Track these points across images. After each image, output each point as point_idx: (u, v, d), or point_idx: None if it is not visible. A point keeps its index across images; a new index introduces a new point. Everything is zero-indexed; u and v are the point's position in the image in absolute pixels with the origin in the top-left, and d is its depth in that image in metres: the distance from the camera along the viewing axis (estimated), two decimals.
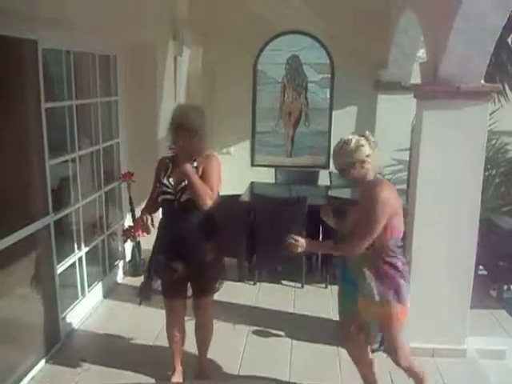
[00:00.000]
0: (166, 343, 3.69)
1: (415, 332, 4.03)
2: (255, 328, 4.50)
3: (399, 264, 3.04)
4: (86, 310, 4.66)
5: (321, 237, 5.52)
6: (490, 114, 4.67)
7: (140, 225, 3.40)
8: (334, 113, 7.32)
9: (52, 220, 3.95)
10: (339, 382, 3.72)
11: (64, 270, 4.25)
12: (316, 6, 6.72)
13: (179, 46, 5.79)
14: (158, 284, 3.50)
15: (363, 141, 3.00)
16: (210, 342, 3.69)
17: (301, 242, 3.05)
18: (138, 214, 4.18)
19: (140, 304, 3.59)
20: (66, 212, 4.34)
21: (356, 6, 6.61)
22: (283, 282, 5.52)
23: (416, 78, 5.18)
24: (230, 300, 4.86)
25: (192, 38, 6.06)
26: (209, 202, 3.21)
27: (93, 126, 4.87)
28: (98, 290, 4.94)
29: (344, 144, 3.01)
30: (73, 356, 4.01)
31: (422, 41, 4.68)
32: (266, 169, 7.28)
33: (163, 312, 3.60)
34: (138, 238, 5.33)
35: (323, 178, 6.81)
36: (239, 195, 5.82)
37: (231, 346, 4.17)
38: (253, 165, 7.53)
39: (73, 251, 4.51)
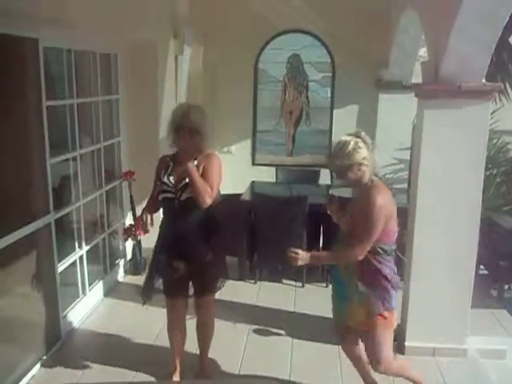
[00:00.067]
0: (166, 342, 3.69)
1: (416, 331, 4.05)
2: (256, 327, 4.50)
3: (388, 272, 3.04)
4: (86, 309, 4.66)
5: (321, 236, 5.55)
6: (491, 114, 4.65)
7: (140, 223, 3.40)
8: (334, 112, 7.30)
9: (53, 218, 3.95)
10: (340, 381, 3.73)
11: (65, 269, 4.26)
12: (317, 5, 6.72)
13: (180, 44, 5.79)
14: (159, 283, 3.50)
15: (361, 143, 3.00)
16: (211, 341, 3.69)
17: (301, 256, 3.02)
18: (138, 212, 4.20)
19: (144, 304, 3.57)
20: (66, 210, 4.34)
21: (357, 4, 6.60)
22: (284, 280, 5.52)
23: (417, 77, 5.18)
24: (231, 299, 4.86)
25: (193, 36, 6.06)
26: (208, 201, 3.21)
27: (94, 124, 4.87)
28: (98, 288, 4.94)
29: (342, 146, 3.00)
30: (74, 355, 4.02)
31: (423, 40, 4.68)
32: (266, 168, 7.27)
33: (164, 311, 3.60)
34: (138, 237, 5.32)
35: (324, 177, 6.81)
36: (240, 194, 5.82)
37: (232, 344, 4.17)
38: (254, 164, 7.52)
39: (73, 250, 4.51)
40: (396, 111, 6.69)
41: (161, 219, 3.50)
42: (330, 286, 3.46)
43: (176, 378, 3.60)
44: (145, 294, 3.54)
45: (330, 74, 7.24)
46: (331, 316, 3.38)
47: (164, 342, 3.79)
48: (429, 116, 3.83)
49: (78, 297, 4.60)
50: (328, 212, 3.31)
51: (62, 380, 3.67)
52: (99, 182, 5.03)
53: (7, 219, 3.39)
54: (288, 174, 6.94)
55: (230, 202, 4.90)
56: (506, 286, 5.40)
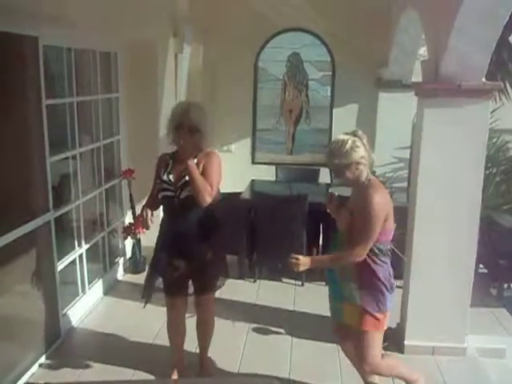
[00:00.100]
0: (166, 341, 3.69)
1: (415, 330, 4.05)
2: (255, 325, 4.50)
3: (384, 273, 3.03)
4: (86, 307, 4.66)
5: (321, 235, 5.55)
6: (491, 113, 4.65)
7: (140, 220, 3.39)
8: (334, 111, 7.31)
9: (52, 217, 3.95)
10: (339, 380, 3.73)
11: (64, 267, 4.26)
12: (317, 4, 6.71)
13: (180, 43, 5.79)
14: (159, 281, 3.50)
15: (358, 142, 3.00)
16: (211, 340, 3.69)
17: (302, 261, 3.00)
18: (138, 211, 4.19)
19: (145, 304, 3.55)
20: (66, 209, 4.34)
21: (357, 3, 6.60)
22: (283, 279, 5.52)
23: (417, 76, 5.18)
24: (230, 297, 4.86)
25: (193, 35, 6.06)
26: (208, 200, 3.21)
27: (93, 122, 4.86)
28: (98, 287, 4.94)
29: (340, 145, 2.99)
30: (73, 353, 4.03)
31: (423, 39, 4.68)
32: (266, 166, 7.28)
33: (164, 309, 3.60)
34: (138, 235, 5.33)
35: (324, 176, 6.80)
36: (240, 193, 5.82)
37: (231, 343, 4.18)
38: (253, 162, 7.52)
39: (73, 248, 4.51)
40: (396, 110, 6.69)
41: (161, 217, 3.50)
42: None
43: (175, 376, 3.59)
44: (146, 293, 3.53)
45: (330, 73, 7.25)
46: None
47: (163, 340, 3.80)
48: (429, 115, 3.82)
49: (78, 295, 4.60)
50: (328, 210, 3.31)
51: (62, 378, 3.67)
52: (99, 180, 5.03)
53: (7, 217, 3.39)
54: (288, 173, 6.94)
55: (229, 200, 4.90)
56: (506, 285, 5.40)
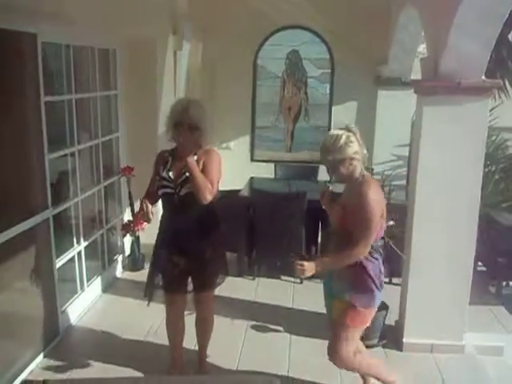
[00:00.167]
0: (165, 338, 3.69)
1: (414, 328, 4.06)
2: (254, 323, 4.50)
3: (374, 271, 3.02)
4: (85, 305, 4.66)
5: (320, 232, 5.55)
6: (490, 110, 4.66)
7: (140, 213, 3.33)
8: (333, 108, 7.30)
9: (51, 214, 3.94)
10: (338, 377, 3.72)
11: (63, 265, 4.25)
12: (316, 1, 6.70)
13: (179, 40, 5.77)
14: (159, 278, 3.50)
15: (352, 137, 2.98)
16: (210, 337, 3.69)
17: (307, 266, 2.97)
18: (137, 208, 4.18)
19: (149, 302, 3.54)
20: (65, 206, 4.33)
21: (356, 1, 6.59)
22: (282, 277, 5.52)
23: (416, 74, 5.17)
24: (229, 295, 4.85)
25: (192, 32, 6.04)
26: (209, 197, 3.20)
27: (92, 120, 4.86)
28: (97, 284, 4.94)
29: (334, 140, 2.97)
30: (72, 351, 4.03)
31: (423, 36, 4.67)
32: (265, 164, 7.27)
33: (162, 307, 3.60)
34: (137, 233, 5.33)
35: (323, 173, 6.79)
36: (239, 190, 5.82)
37: (230, 340, 4.18)
38: (252, 160, 7.52)
39: (72, 245, 4.51)
40: (395, 108, 6.68)
41: (160, 215, 3.49)
42: None
43: (175, 372, 3.59)
44: (148, 291, 3.51)
45: (329, 71, 7.24)
46: None
47: (162, 337, 3.80)
48: (428, 112, 3.82)
49: (77, 293, 4.59)
50: (320, 201, 3.29)
51: (61, 376, 3.67)
52: (97, 177, 5.02)
53: (5, 215, 3.39)
54: (287, 170, 6.94)
55: (228, 198, 4.90)
56: (504, 283, 5.42)
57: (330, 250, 3.17)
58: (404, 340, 4.08)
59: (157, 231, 3.50)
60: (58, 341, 4.10)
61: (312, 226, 5.42)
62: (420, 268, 3.97)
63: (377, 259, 3.05)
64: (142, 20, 4.92)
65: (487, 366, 3.94)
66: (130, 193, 5.37)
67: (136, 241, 5.43)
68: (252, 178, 6.66)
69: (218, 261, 3.50)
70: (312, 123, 7.40)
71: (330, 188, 3.25)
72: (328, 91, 7.30)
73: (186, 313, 3.64)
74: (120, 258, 5.54)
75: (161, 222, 3.47)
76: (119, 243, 5.58)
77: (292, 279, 5.43)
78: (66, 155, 4.37)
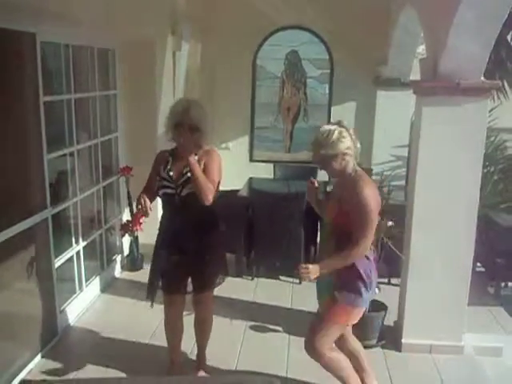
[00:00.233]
0: (163, 338, 3.68)
1: (413, 328, 4.05)
2: (253, 323, 4.50)
3: (364, 271, 3.00)
4: (83, 305, 4.65)
5: (318, 232, 5.54)
6: (490, 111, 4.66)
7: (138, 209, 3.29)
8: (332, 108, 7.30)
9: (50, 214, 3.94)
10: None
11: (62, 264, 4.25)
12: (315, 1, 6.71)
13: (178, 40, 5.77)
14: (159, 279, 3.49)
15: (345, 132, 2.97)
16: (209, 337, 3.69)
17: (311, 269, 2.95)
18: (135, 208, 4.18)
19: (152, 304, 3.50)
20: (63, 206, 4.33)
21: (356, 1, 6.59)
22: (281, 277, 5.51)
23: (416, 75, 5.17)
24: (228, 295, 4.85)
25: (191, 33, 6.04)
26: (210, 198, 3.19)
27: (91, 119, 4.85)
28: (95, 284, 4.93)
29: (326, 135, 2.96)
30: (70, 351, 4.02)
31: (422, 37, 4.67)
32: (264, 164, 7.26)
33: (161, 307, 3.59)
34: (135, 233, 5.33)
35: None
36: (237, 190, 5.81)
37: (228, 341, 4.17)
38: (251, 160, 7.51)
39: (70, 245, 4.50)
40: (394, 108, 6.68)
41: (160, 215, 3.49)
42: None
43: (174, 373, 3.58)
44: (150, 293, 3.48)
45: (328, 71, 7.24)
46: None
47: (161, 338, 3.79)
48: (427, 113, 3.82)
49: (75, 292, 4.59)
50: (307, 198, 3.28)
51: (59, 376, 3.67)
52: (96, 177, 5.02)
53: (4, 214, 3.38)
54: (286, 171, 6.93)
55: (227, 198, 4.89)
56: (503, 284, 5.41)
57: (325, 249, 3.16)
58: (403, 340, 4.08)
59: (156, 231, 3.49)
60: (57, 341, 4.09)
61: (311, 227, 5.42)
62: (419, 268, 3.97)
63: (368, 258, 3.03)
64: (141, 20, 4.92)
65: (486, 367, 3.94)
66: (128, 193, 5.36)
67: (135, 241, 5.42)
68: (251, 178, 6.65)
69: (219, 261, 3.50)
70: (311, 123, 7.39)
71: (317, 185, 3.25)
72: (327, 91, 7.30)
73: (184, 313, 3.63)
74: (119, 258, 5.54)
75: (161, 222, 3.47)
76: (118, 243, 5.58)
77: (291, 279, 5.43)
78: (65, 155, 4.37)
